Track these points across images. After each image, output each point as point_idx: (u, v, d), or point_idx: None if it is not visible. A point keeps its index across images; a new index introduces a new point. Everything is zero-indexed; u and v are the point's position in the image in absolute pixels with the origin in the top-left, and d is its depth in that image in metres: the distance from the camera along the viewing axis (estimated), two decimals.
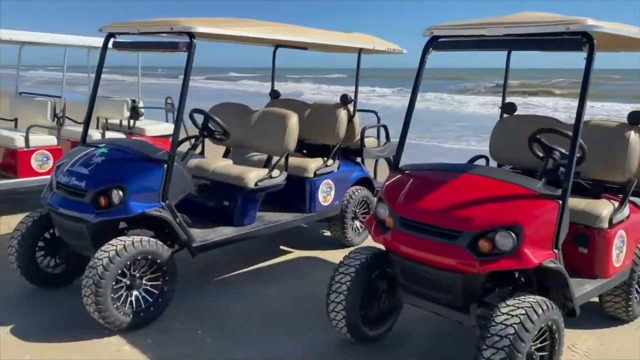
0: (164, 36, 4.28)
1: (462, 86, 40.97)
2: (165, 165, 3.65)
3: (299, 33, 4.66)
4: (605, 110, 22.12)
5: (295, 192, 4.81)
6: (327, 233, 5.80)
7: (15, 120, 7.01)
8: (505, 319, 2.69)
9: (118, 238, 3.48)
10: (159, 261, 3.56)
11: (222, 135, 4.23)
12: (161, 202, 3.64)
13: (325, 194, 5.00)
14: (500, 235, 2.79)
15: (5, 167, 6.07)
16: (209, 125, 4.16)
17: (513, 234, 2.78)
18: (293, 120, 4.60)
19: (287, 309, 4.00)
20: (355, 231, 5.42)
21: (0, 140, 6.11)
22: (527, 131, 3.90)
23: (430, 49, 3.42)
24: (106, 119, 7.61)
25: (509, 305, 2.75)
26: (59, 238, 4.09)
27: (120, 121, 7.29)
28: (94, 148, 3.90)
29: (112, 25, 4.11)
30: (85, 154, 3.83)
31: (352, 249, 3.48)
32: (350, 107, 5.35)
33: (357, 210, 5.39)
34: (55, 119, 6.35)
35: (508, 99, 4.70)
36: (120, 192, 3.51)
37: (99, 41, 6.77)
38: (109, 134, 6.71)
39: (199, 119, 4.30)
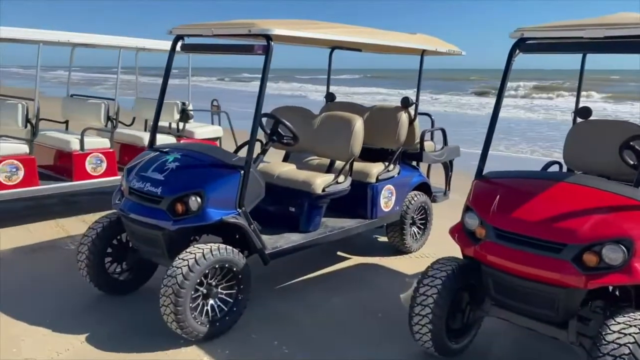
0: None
1: (480, 86, 40.15)
2: (242, 171, 3.57)
3: (371, 35, 4.55)
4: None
5: (356, 198, 4.70)
6: (381, 238, 5.69)
7: (66, 122, 7.04)
8: (618, 338, 2.54)
9: (195, 245, 3.41)
10: (234, 269, 3.48)
11: (290, 140, 4.14)
12: (238, 209, 3.56)
13: (387, 200, 4.88)
14: (610, 249, 2.65)
15: (59, 170, 6.08)
16: (279, 129, 4.07)
17: (623, 248, 2.63)
18: (359, 124, 4.49)
19: (357, 320, 3.89)
20: (413, 237, 5.30)
21: (55, 143, 6.13)
22: (607, 136, 3.73)
23: (517, 51, 3.28)
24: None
25: (619, 323, 2.60)
26: (126, 244, 4.06)
27: (170, 124, 7.27)
28: (165, 153, 3.84)
29: (182, 27, 4.05)
30: (157, 159, 3.77)
31: (435, 259, 3.35)
32: (411, 110, 5.23)
33: (415, 216, 5.27)
34: (109, 121, 6.34)
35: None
36: (198, 199, 3.44)
37: (149, 42, 6.77)
38: (160, 137, 6.70)
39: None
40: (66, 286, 4.23)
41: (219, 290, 3.48)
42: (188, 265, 3.26)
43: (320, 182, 4.24)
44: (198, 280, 3.30)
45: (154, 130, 4.29)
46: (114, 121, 6.34)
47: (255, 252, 3.76)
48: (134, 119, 7.67)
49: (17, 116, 5.53)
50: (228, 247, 3.47)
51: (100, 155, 6.15)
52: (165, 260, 3.67)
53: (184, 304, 3.23)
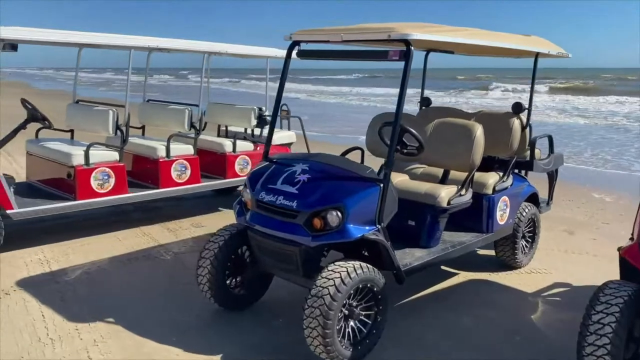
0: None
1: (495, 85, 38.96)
2: (381, 185, 3.33)
3: (497, 38, 4.28)
4: None
5: (472, 210, 4.41)
6: (481, 252, 5.40)
7: (143, 127, 6.93)
8: None
9: (336, 263, 3.19)
10: (375, 289, 3.26)
11: (414, 150, 3.88)
12: (377, 225, 3.33)
13: (502, 212, 4.60)
14: None
15: (144, 177, 5.94)
16: (404, 139, 3.82)
17: None
18: (479, 132, 4.22)
19: (497, 342, 3.62)
20: (522, 252, 5.00)
21: (140, 149, 5.99)
22: None
23: None
24: (226, 127, 7.46)
25: None
26: (243, 258, 3.87)
27: (245, 129, 7.08)
28: (289, 164, 3.62)
29: (303, 32, 3.83)
30: (283, 171, 3.55)
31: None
32: (523, 116, 4.95)
33: (524, 229, 4.97)
34: (192, 127, 6.19)
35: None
36: (339, 214, 3.21)
37: (225, 47, 6.56)
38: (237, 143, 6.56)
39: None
40: (177, 299, 4.07)
41: (359, 311, 3.25)
42: (335, 284, 3.04)
43: (445, 194, 3.99)
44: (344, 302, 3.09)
45: (269, 140, 4.06)
46: (197, 127, 6.18)
47: (389, 269, 3.52)
48: (205, 124, 7.51)
49: (108, 123, 5.40)
50: (369, 265, 3.24)
51: (185, 162, 6.01)
52: (297, 277, 3.47)
53: (332, 327, 3.01)
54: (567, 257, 5.45)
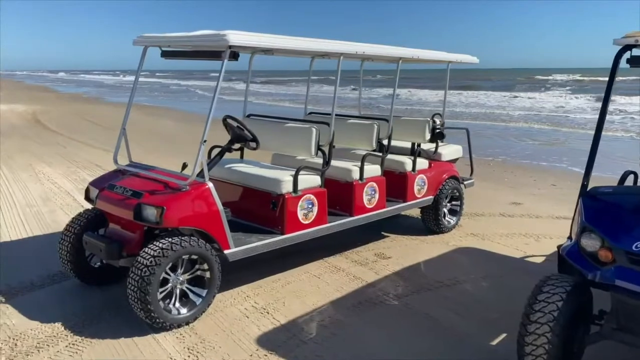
0: None
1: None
2: None
3: None
4: None
5: None
6: None
7: None
8: None
9: None
10: None
11: None
12: None
13: None
14: None
15: (333, 202, 5.07)
16: None
17: None
18: None
19: None
20: None
21: (335, 173, 5.11)
22: None
23: None
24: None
25: None
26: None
27: (413, 144, 6.26)
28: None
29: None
30: None
31: None
32: None
33: None
34: (379, 145, 5.42)
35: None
36: None
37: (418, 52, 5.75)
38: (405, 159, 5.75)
39: None
40: None
41: None
42: None
43: None
44: None
45: (589, 168, 3.25)
46: (385, 145, 5.39)
47: None
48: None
49: (310, 142, 4.63)
50: None
51: (374, 184, 5.23)
52: None
53: None
54: None
